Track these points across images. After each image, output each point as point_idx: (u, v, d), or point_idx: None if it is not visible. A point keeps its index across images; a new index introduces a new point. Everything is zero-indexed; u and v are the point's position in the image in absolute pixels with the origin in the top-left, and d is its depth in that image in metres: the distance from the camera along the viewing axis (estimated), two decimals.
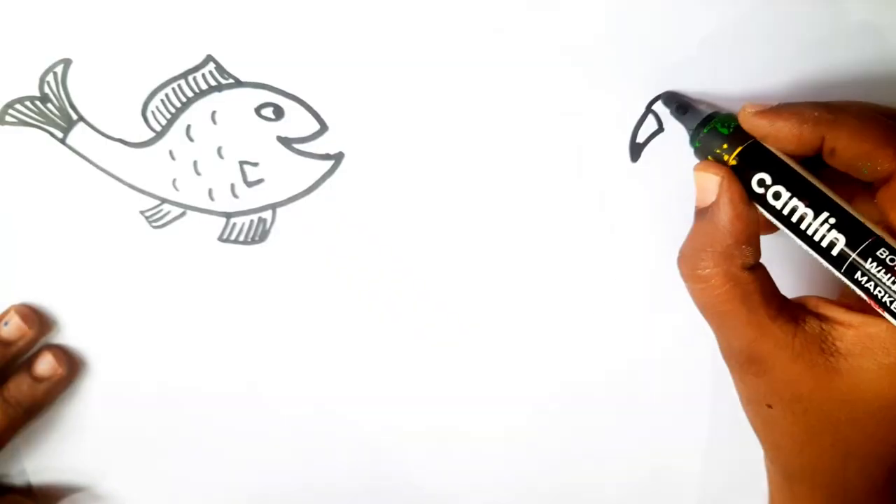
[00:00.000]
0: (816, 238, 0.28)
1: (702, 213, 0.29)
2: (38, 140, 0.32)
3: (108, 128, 0.32)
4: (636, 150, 0.34)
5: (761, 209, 0.29)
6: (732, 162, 0.29)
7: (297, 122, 0.33)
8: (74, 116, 0.32)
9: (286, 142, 0.33)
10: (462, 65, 0.32)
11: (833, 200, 0.27)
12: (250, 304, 0.36)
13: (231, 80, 0.32)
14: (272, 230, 0.35)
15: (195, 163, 0.33)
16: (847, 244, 0.27)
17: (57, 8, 0.30)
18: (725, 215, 0.28)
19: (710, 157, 0.30)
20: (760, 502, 0.34)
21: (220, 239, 0.35)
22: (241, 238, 0.35)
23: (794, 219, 0.28)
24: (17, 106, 0.32)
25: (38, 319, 0.35)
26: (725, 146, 0.29)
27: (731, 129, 0.29)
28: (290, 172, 0.34)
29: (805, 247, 0.28)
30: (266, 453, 0.39)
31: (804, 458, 0.30)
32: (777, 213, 0.28)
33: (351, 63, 0.31)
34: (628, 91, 0.33)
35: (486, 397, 0.39)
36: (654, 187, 0.35)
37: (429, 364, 0.38)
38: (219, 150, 0.33)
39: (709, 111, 0.31)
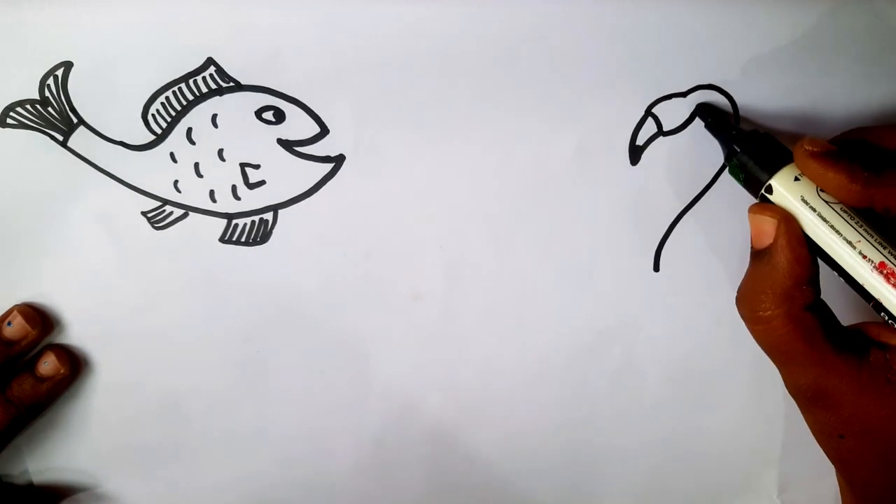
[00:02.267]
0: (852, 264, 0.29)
1: (759, 254, 0.30)
2: (39, 143, 0.32)
3: (108, 131, 0.32)
4: (636, 153, 0.34)
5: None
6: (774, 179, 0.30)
7: (297, 126, 0.33)
8: (75, 120, 0.32)
9: (287, 145, 0.33)
10: (462, 67, 0.32)
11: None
12: (252, 304, 0.36)
13: (232, 84, 0.32)
14: (274, 231, 0.35)
15: (196, 165, 0.33)
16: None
17: (57, 11, 0.30)
18: (785, 258, 0.29)
19: (746, 177, 0.31)
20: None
21: (222, 240, 0.35)
22: (243, 239, 0.35)
23: (832, 242, 0.29)
24: (18, 109, 0.32)
25: (40, 319, 0.35)
26: (765, 168, 0.30)
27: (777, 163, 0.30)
28: (291, 174, 0.34)
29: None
30: (268, 454, 0.39)
31: (879, 485, 0.30)
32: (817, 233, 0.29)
33: (351, 66, 0.31)
34: (628, 94, 0.32)
35: (487, 398, 0.39)
36: (654, 190, 0.35)
37: (429, 364, 0.38)
38: (220, 152, 0.33)
39: (744, 128, 0.32)
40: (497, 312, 0.37)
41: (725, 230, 0.36)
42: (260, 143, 0.33)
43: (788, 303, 0.28)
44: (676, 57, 0.32)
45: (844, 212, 0.29)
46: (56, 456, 0.38)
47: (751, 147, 0.31)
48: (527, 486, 0.42)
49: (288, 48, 0.31)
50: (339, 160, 0.33)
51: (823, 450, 0.31)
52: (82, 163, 0.33)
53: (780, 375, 0.38)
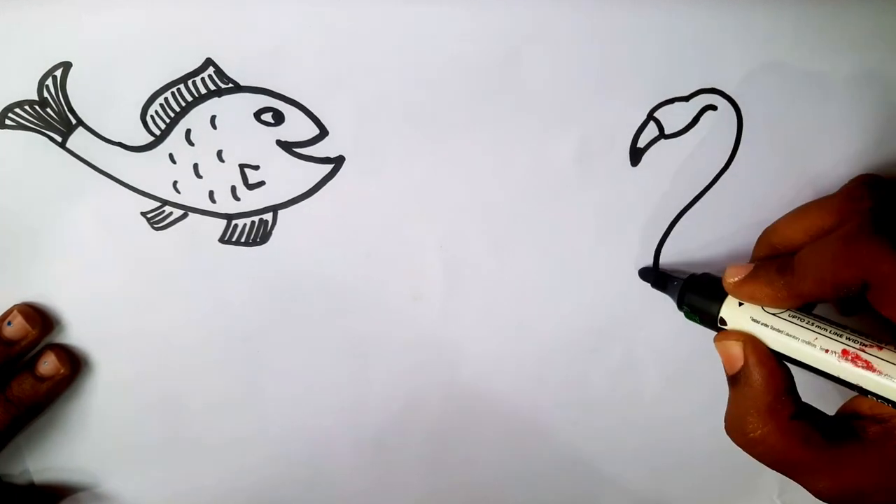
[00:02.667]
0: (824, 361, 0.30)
1: (734, 379, 0.31)
2: (37, 143, 0.32)
3: (107, 132, 0.32)
4: (637, 155, 0.34)
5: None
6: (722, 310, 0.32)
7: (296, 127, 0.32)
8: (73, 121, 0.32)
9: (286, 146, 0.33)
10: (462, 68, 0.32)
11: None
12: (252, 305, 0.36)
13: (230, 85, 0.31)
14: (273, 232, 0.35)
15: (196, 166, 0.33)
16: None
17: (56, 12, 0.30)
18: (759, 374, 0.30)
19: (701, 316, 0.33)
20: None
21: (222, 240, 0.35)
22: (243, 239, 0.35)
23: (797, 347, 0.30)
24: (17, 110, 0.31)
25: (40, 319, 0.35)
26: (713, 300, 0.32)
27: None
28: (290, 175, 0.34)
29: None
30: (268, 453, 0.39)
31: None
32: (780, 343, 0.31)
33: (351, 68, 0.31)
34: (630, 97, 0.32)
35: (487, 398, 0.39)
36: (654, 190, 0.34)
37: (429, 364, 0.38)
38: (219, 153, 0.33)
39: (677, 275, 0.35)
40: (497, 312, 0.37)
41: (725, 231, 0.36)
42: (259, 144, 0.33)
43: (775, 417, 0.29)
44: (679, 60, 0.32)
45: (794, 316, 0.30)
46: (56, 455, 0.38)
47: (693, 290, 0.33)
48: (527, 485, 0.42)
49: (287, 49, 0.31)
50: (338, 161, 0.33)
51: None
52: (81, 164, 0.33)
53: None
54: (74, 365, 0.36)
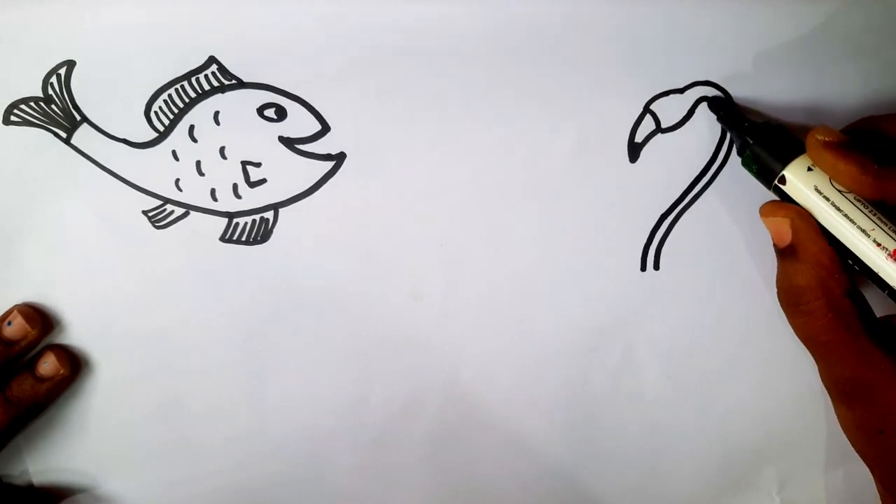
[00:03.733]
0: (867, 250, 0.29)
1: (784, 252, 0.30)
2: (42, 140, 0.32)
3: (111, 128, 0.32)
4: (635, 150, 0.34)
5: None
6: (787, 169, 0.30)
7: (299, 123, 0.33)
8: (78, 117, 0.32)
9: (288, 142, 0.33)
10: (462, 64, 0.32)
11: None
12: (252, 304, 0.36)
13: (234, 81, 0.32)
14: (274, 230, 0.35)
15: (198, 163, 0.33)
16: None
17: (60, 10, 0.31)
18: (810, 252, 0.29)
19: (760, 168, 0.31)
20: None
21: (223, 239, 0.35)
22: (244, 238, 0.35)
23: (846, 230, 0.29)
24: (22, 106, 0.32)
25: (40, 319, 0.35)
26: (778, 159, 0.30)
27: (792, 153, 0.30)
28: (292, 172, 0.34)
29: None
30: (268, 454, 0.39)
31: None
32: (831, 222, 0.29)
33: (353, 64, 0.32)
34: (626, 90, 0.33)
35: (487, 397, 0.39)
36: (654, 187, 0.35)
37: (429, 362, 0.38)
38: (221, 150, 0.33)
39: (760, 122, 0.32)
40: (497, 311, 0.37)
41: (726, 227, 0.36)
42: (261, 140, 0.33)
43: (827, 292, 0.29)
44: (674, 53, 0.32)
45: (858, 201, 0.29)
46: (56, 456, 0.38)
47: (763, 139, 0.31)
48: (527, 485, 0.41)
49: (289, 46, 0.31)
50: (340, 158, 0.34)
51: (857, 447, 0.31)
52: (85, 160, 0.33)
53: (781, 374, 0.39)
54: (74, 365, 0.36)
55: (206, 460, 0.39)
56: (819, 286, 0.29)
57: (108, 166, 0.33)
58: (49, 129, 0.32)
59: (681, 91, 0.33)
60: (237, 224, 0.35)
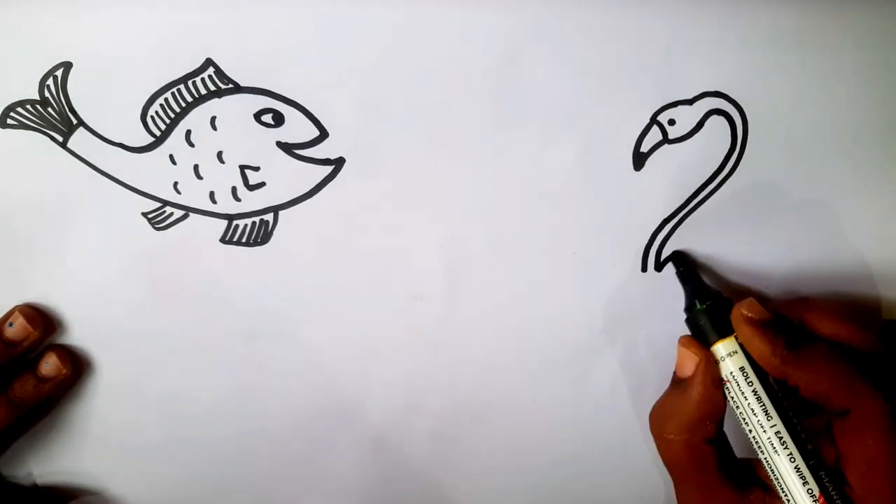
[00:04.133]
0: (756, 438, 0.32)
1: (678, 382, 0.33)
2: (39, 143, 0.32)
3: (108, 132, 0.32)
4: (640, 160, 0.34)
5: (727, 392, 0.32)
6: (715, 345, 0.33)
7: (297, 129, 0.32)
8: (74, 121, 0.32)
9: (286, 147, 0.33)
10: (462, 70, 0.31)
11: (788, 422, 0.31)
12: (253, 305, 0.36)
13: (231, 86, 0.31)
14: (274, 232, 0.35)
15: (196, 167, 0.33)
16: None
17: (57, 12, 0.30)
18: (698, 394, 0.32)
19: (695, 331, 0.34)
20: None
21: (223, 240, 0.35)
22: (244, 240, 0.35)
23: (746, 415, 0.32)
24: (18, 109, 0.32)
25: (42, 320, 0.35)
26: (713, 330, 0.33)
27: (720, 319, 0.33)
28: (291, 176, 0.33)
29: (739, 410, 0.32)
30: (268, 454, 0.39)
31: None
32: (735, 402, 0.32)
33: (351, 69, 0.31)
34: (633, 100, 0.32)
35: (488, 398, 0.39)
36: (657, 194, 0.34)
37: (430, 364, 0.38)
38: (219, 154, 0.33)
39: (711, 286, 0.35)
40: (498, 312, 0.37)
41: (727, 234, 0.35)
42: (259, 145, 0.33)
43: (691, 433, 0.32)
44: (682, 63, 0.31)
45: (757, 392, 0.32)
46: (59, 458, 0.38)
47: (709, 309, 0.33)
48: (527, 485, 0.42)
49: (287, 50, 0.31)
50: (338, 163, 0.33)
51: None
52: (82, 164, 0.33)
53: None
54: (76, 365, 0.36)
55: (207, 460, 0.39)
56: (688, 424, 0.32)
57: (106, 170, 0.33)
58: (45, 133, 0.32)
59: (690, 102, 0.32)
60: (237, 226, 0.35)
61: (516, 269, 0.36)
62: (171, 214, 0.34)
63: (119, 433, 0.38)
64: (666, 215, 0.35)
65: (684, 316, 0.34)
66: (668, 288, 0.36)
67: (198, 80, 0.31)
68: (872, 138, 0.33)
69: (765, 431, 0.31)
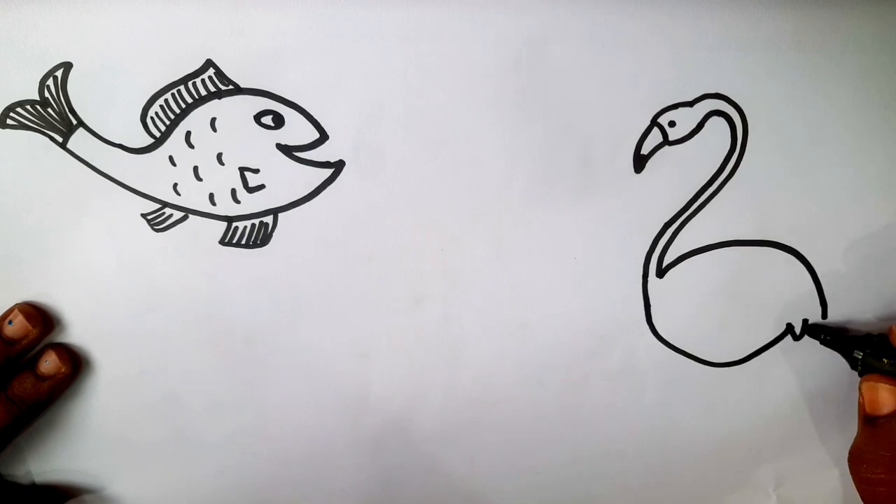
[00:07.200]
0: None
1: (874, 420, 0.32)
2: (39, 143, 0.32)
3: (108, 133, 0.32)
4: (640, 162, 0.33)
5: None
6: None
7: (297, 131, 0.32)
8: (74, 121, 0.32)
9: (286, 150, 0.33)
10: (463, 73, 0.31)
11: None
12: (253, 306, 0.36)
13: (231, 87, 0.31)
14: (274, 234, 0.35)
15: (196, 168, 0.33)
16: None
17: (57, 12, 0.30)
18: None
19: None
20: None
21: (222, 242, 0.35)
22: (243, 241, 0.35)
23: None
24: (18, 109, 0.31)
25: (41, 318, 0.35)
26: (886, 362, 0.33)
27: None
28: (290, 179, 0.33)
29: None
30: (268, 453, 0.39)
31: None
32: None
33: (351, 71, 0.31)
34: (634, 102, 0.32)
35: (488, 400, 0.39)
36: (658, 197, 0.34)
37: (430, 366, 0.38)
38: (219, 156, 0.33)
39: (861, 333, 0.35)
40: (498, 315, 0.37)
41: (728, 237, 0.35)
42: (259, 147, 0.33)
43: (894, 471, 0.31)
44: (683, 65, 0.31)
45: None
46: (58, 457, 0.38)
47: (873, 352, 0.34)
48: (526, 486, 0.42)
49: (287, 51, 0.31)
50: (338, 166, 0.33)
51: None
52: (82, 165, 0.33)
53: (779, 378, 0.38)
54: (75, 364, 0.36)
55: (206, 460, 0.39)
56: (892, 465, 0.31)
57: (105, 171, 0.33)
58: (45, 133, 0.32)
59: (690, 104, 0.32)
60: (236, 228, 0.34)
61: (516, 273, 0.36)
62: (171, 216, 0.34)
63: (118, 432, 0.38)
64: (667, 219, 0.35)
65: (690, 322, 0.34)
66: (669, 293, 0.37)
67: (198, 81, 0.31)
68: (871, 140, 0.33)
69: None
